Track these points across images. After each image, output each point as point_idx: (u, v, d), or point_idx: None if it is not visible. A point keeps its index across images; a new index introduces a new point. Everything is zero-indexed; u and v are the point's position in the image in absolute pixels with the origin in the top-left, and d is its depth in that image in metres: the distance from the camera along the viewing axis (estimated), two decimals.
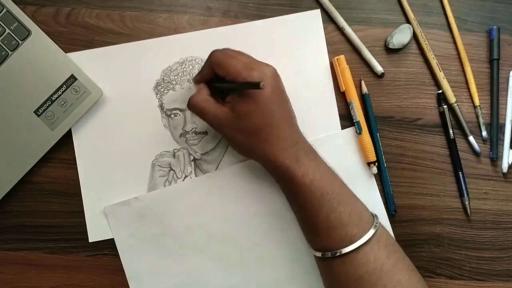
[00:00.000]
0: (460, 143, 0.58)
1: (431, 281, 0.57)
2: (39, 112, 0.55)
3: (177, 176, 0.57)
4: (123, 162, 0.57)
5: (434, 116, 0.58)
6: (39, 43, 0.55)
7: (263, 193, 0.57)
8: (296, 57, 0.57)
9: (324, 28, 0.58)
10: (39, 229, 0.57)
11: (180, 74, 0.57)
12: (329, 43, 0.58)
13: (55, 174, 0.57)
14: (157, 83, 0.57)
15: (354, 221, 0.48)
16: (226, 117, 0.50)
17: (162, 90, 0.57)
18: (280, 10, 0.58)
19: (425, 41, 0.57)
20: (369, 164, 0.56)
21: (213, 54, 0.51)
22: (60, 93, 0.55)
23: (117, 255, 0.57)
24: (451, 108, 0.58)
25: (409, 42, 0.58)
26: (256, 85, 0.44)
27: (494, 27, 0.58)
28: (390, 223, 0.57)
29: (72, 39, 0.57)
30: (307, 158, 0.49)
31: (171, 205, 0.57)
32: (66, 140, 0.56)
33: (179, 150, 0.57)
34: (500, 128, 0.58)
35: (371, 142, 0.56)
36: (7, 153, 0.55)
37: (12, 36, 0.55)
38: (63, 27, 0.57)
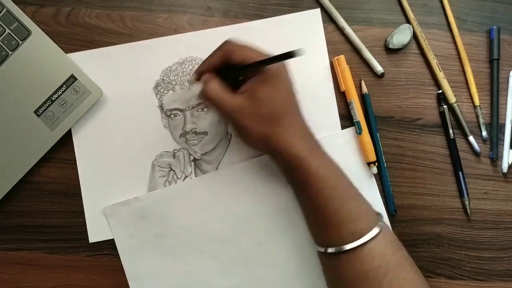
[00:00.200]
0: (460, 143, 0.58)
1: (431, 281, 0.57)
2: (39, 112, 0.55)
3: (177, 177, 0.57)
4: (123, 162, 0.57)
5: (434, 116, 0.58)
6: (39, 43, 0.55)
7: (264, 193, 0.57)
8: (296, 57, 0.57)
9: (324, 28, 0.58)
10: (39, 229, 0.57)
11: (180, 75, 0.57)
12: (329, 43, 0.58)
13: (55, 174, 0.57)
14: (157, 83, 0.57)
15: (362, 216, 0.48)
16: (244, 105, 0.49)
17: (162, 90, 0.57)
18: (280, 10, 0.58)
19: (425, 41, 0.57)
20: (369, 164, 0.56)
21: (227, 43, 0.50)
22: (60, 93, 0.55)
23: (117, 255, 0.57)
24: (451, 108, 0.58)
25: (409, 42, 0.58)
26: (292, 54, 0.42)
27: (494, 27, 0.58)
28: (390, 223, 0.57)
29: (72, 39, 0.57)
30: (319, 151, 0.50)
31: (171, 205, 0.57)
32: (66, 140, 0.56)
33: (179, 151, 0.57)
34: (500, 128, 0.58)
35: (371, 142, 0.56)
36: (7, 153, 0.55)
37: (12, 36, 0.55)
38: (63, 27, 0.57)
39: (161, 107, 0.57)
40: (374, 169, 0.56)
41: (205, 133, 0.57)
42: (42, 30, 0.56)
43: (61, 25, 0.57)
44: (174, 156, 0.57)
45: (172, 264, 0.57)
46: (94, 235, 0.57)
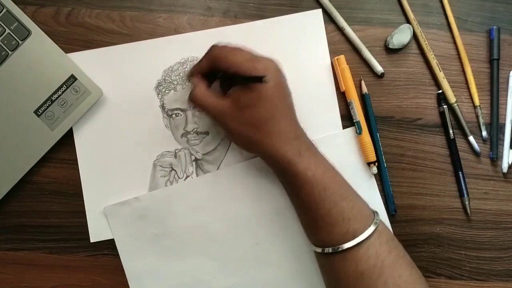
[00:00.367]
0: (460, 143, 0.58)
1: (431, 281, 0.57)
2: (39, 112, 0.55)
3: (178, 176, 0.57)
4: (124, 162, 0.57)
5: (434, 116, 0.58)
6: (39, 43, 0.55)
7: (264, 193, 0.57)
8: (297, 57, 0.57)
9: (324, 28, 0.58)
10: (39, 229, 0.57)
11: (181, 74, 0.57)
12: (329, 43, 0.58)
13: (55, 174, 0.57)
14: (158, 83, 0.57)
15: (356, 216, 0.48)
16: (229, 110, 0.50)
17: (163, 90, 0.57)
18: (280, 10, 0.58)
19: (425, 41, 0.57)
20: (369, 164, 0.56)
21: (214, 48, 0.51)
22: (60, 93, 0.55)
23: (117, 255, 0.57)
24: (451, 108, 0.58)
25: (409, 42, 0.58)
26: (260, 79, 0.44)
27: (494, 27, 0.58)
28: (390, 223, 0.57)
29: (72, 39, 0.57)
30: (309, 152, 0.50)
31: (171, 205, 0.57)
32: (66, 140, 0.56)
33: (180, 150, 0.57)
34: (500, 128, 0.58)
35: (371, 142, 0.56)
36: (7, 153, 0.55)
37: (12, 36, 0.55)
38: (63, 27, 0.57)
39: (162, 107, 0.57)
40: (374, 169, 0.56)
41: (207, 133, 0.57)
42: (42, 30, 0.55)
43: (61, 25, 0.57)
44: (175, 156, 0.57)
45: (172, 264, 0.57)
46: (95, 235, 0.57)
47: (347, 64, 0.56)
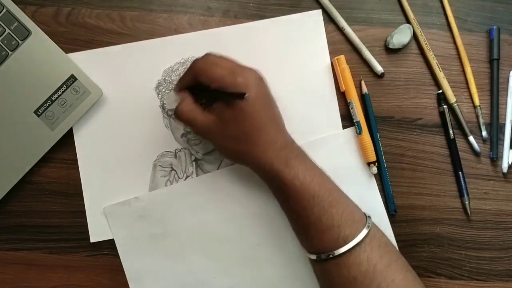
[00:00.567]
0: (460, 143, 0.58)
1: (431, 281, 0.57)
2: (39, 112, 0.55)
3: (178, 176, 0.57)
4: (124, 162, 0.57)
5: (434, 116, 0.58)
6: (39, 43, 0.55)
7: (265, 193, 0.56)
8: (297, 57, 0.57)
9: (324, 28, 0.58)
10: (39, 229, 0.57)
11: (181, 74, 0.57)
12: (329, 43, 0.58)
13: (55, 174, 0.57)
14: (159, 83, 0.57)
15: (346, 222, 0.47)
16: (214, 124, 0.49)
17: (163, 90, 0.57)
18: (280, 10, 0.58)
19: (425, 41, 0.57)
20: (369, 164, 0.56)
21: (195, 63, 0.50)
22: (60, 93, 0.55)
23: (117, 255, 0.57)
24: (451, 108, 0.58)
25: (409, 42, 0.58)
26: (241, 96, 0.44)
27: (494, 27, 0.58)
28: (390, 223, 0.57)
29: (72, 39, 0.57)
30: (297, 160, 0.49)
31: (171, 205, 0.57)
32: (66, 140, 0.56)
33: (180, 150, 0.57)
34: (500, 128, 0.58)
35: (371, 142, 0.56)
36: (7, 153, 0.55)
37: (12, 36, 0.55)
38: (63, 27, 0.57)
39: (162, 107, 0.57)
40: (374, 169, 0.56)
41: None
42: (42, 30, 0.56)
43: (61, 25, 0.57)
44: (175, 156, 0.57)
45: (172, 264, 0.57)
46: (95, 235, 0.57)
47: (347, 64, 0.56)
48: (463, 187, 0.57)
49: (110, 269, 0.57)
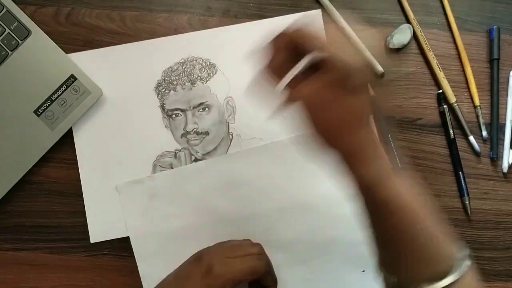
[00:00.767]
0: (460, 143, 0.58)
1: None
2: (39, 112, 0.55)
3: None
4: (124, 162, 0.57)
5: (434, 116, 0.58)
6: (39, 43, 0.55)
7: (277, 178, 0.57)
8: None
9: (324, 28, 0.58)
10: (39, 229, 0.57)
11: (181, 75, 0.57)
12: None
13: (55, 174, 0.57)
14: (158, 83, 0.57)
15: (449, 252, 0.41)
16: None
17: (163, 90, 0.57)
18: (281, 10, 0.58)
19: (425, 41, 0.57)
20: None
21: (295, 30, 0.41)
22: (60, 93, 0.55)
23: (117, 255, 0.57)
24: (451, 108, 0.58)
25: (409, 42, 0.58)
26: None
27: (494, 27, 0.58)
28: None
29: (72, 39, 0.57)
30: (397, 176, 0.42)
31: (183, 185, 0.57)
32: (66, 140, 0.56)
33: (180, 151, 0.57)
34: (500, 128, 0.58)
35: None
36: (7, 153, 0.55)
37: (12, 36, 0.55)
38: (63, 27, 0.57)
39: (162, 107, 0.57)
40: None
41: (206, 133, 0.57)
42: (42, 30, 0.56)
43: (61, 25, 0.57)
44: (175, 156, 0.57)
45: (181, 245, 0.57)
46: (95, 235, 0.57)
47: None
48: (463, 187, 0.57)
49: (110, 269, 0.57)
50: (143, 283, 0.56)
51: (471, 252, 0.42)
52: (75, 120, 0.56)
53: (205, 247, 0.56)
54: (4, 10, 0.55)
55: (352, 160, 0.42)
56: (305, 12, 0.58)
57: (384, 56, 0.58)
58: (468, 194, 0.57)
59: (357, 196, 0.43)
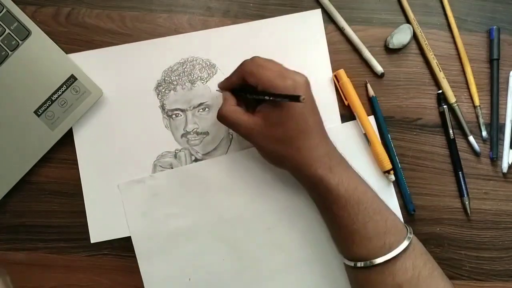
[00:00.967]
0: (460, 143, 0.58)
1: None
2: (39, 112, 0.55)
3: None
4: (124, 162, 0.57)
5: (434, 116, 0.58)
6: (39, 43, 0.55)
7: (279, 178, 0.57)
8: (297, 57, 0.57)
9: (324, 28, 0.58)
10: (39, 229, 0.57)
11: (181, 75, 0.57)
12: (329, 43, 0.58)
13: (55, 174, 0.57)
14: (158, 83, 0.57)
15: (391, 230, 0.47)
16: (258, 127, 0.49)
17: (163, 90, 0.57)
18: (281, 10, 0.58)
19: (425, 41, 0.57)
20: (384, 172, 0.56)
21: (244, 64, 0.50)
22: (60, 93, 0.55)
23: (117, 255, 0.57)
24: (451, 108, 0.58)
25: (409, 42, 0.58)
26: (296, 98, 0.43)
27: (494, 27, 0.58)
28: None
29: (72, 39, 0.57)
30: (340, 167, 0.49)
31: (184, 185, 0.57)
32: (66, 140, 0.56)
33: (180, 151, 0.57)
34: (500, 128, 0.58)
35: (383, 150, 0.56)
36: (7, 153, 0.55)
37: (12, 36, 0.55)
38: (63, 27, 0.57)
39: (162, 107, 0.57)
40: (392, 177, 0.56)
41: (207, 133, 0.57)
42: (42, 30, 0.56)
43: (61, 25, 0.57)
44: (175, 156, 0.57)
45: (182, 245, 0.57)
46: (96, 235, 0.57)
47: (348, 69, 0.57)
48: (463, 187, 0.57)
49: (110, 269, 0.57)
50: (144, 283, 0.57)
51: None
52: (75, 120, 0.56)
53: (205, 246, 0.57)
54: (4, 10, 0.55)
55: (296, 172, 0.51)
56: (305, 12, 0.58)
57: (384, 56, 0.58)
58: (468, 194, 0.57)
59: (308, 192, 0.52)
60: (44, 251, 0.57)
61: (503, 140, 0.58)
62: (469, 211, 0.57)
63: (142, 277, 0.57)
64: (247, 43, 0.57)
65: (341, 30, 0.58)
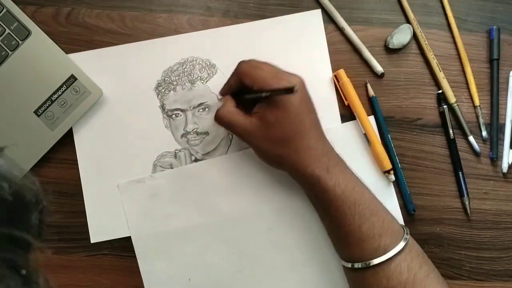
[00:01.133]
0: (460, 143, 0.58)
1: None
2: (39, 112, 0.55)
3: None
4: (124, 162, 0.57)
5: (434, 116, 0.58)
6: (39, 43, 0.55)
7: (276, 178, 0.57)
8: (297, 57, 0.57)
9: (324, 28, 0.58)
10: None
11: (181, 75, 0.57)
12: (329, 43, 0.58)
13: (55, 174, 0.57)
14: (158, 83, 0.57)
15: (387, 231, 0.48)
16: (255, 128, 0.49)
17: (163, 90, 0.57)
18: (280, 10, 0.58)
19: (425, 41, 0.57)
20: (385, 172, 0.56)
21: (240, 65, 0.51)
22: (60, 93, 0.55)
23: (117, 255, 0.57)
24: (451, 108, 0.58)
25: (409, 42, 0.58)
26: (290, 90, 0.43)
27: (494, 27, 0.58)
28: None
29: (72, 39, 0.57)
30: (337, 168, 0.49)
31: (184, 185, 0.57)
32: (66, 140, 0.56)
33: (180, 151, 0.57)
34: (500, 128, 0.58)
35: (383, 150, 0.56)
36: (7, 153, 0.55)
37: (12, 36, 0.55)
38: (63, 27, 0.57)
39: (162, 107, 0.57)
40: (392, 177, 0.56)
41: (207, 133, 0.57)
42: (42, 30, 0.56)
43: (61, 25, 0.57)
44: (175, 156, 0.57)
45: (182, 245, 0.57)
46: (96, 235, 0.57)
47: (348, 69, 0.57)
48: (463, 187, 0.57)
49: (110, 269, 0.57)
50: (144, 283, 0.57)
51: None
52: (75, 120, 0.56)
53: (205, 246, 0.57)
54: (4, 10, 0.55)
55: (294, 173, 0.51)
56: (305, 12, 0.58)
57: (384, 56, 0.58)
58: (468, 194, 0.57)
59: (305, 192, 0.52)
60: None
61: (503, 140, 0.58)
62: (469, 211, 0.57)
63: (142, 277, 0.57)
64: (247, 43, 0.57)
65: (341, 30, 0.58)
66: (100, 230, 0.57)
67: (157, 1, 0.58)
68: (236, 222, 0.57)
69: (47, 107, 0.55)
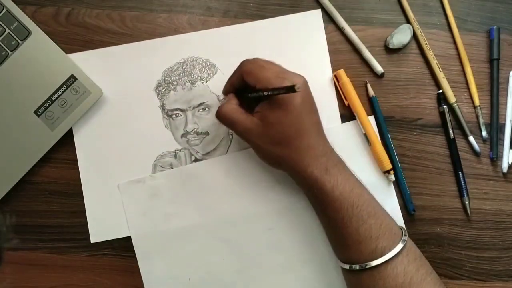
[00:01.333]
0: (460, 143, 0.58)
1: None
2: (39, 112, 0.55)
3: None
4: (124, 162, 0.57)
5: (434, 116, 0.58)
6: (39, 43, 0.55)
7: (277, 178, 0.57)
8: (297, 57, 0.57)
9: (324, 28, 0.58)
10: (39, 229, 0.57)
11: (181, 75, 0.57)
12: (329, 43, 0.58)
13: (55, 174, 0.57)
14: (158, 83, 0.57)
15: (384, 234, 0.47)
16: (256, 127, 0.49)
17: (163, 90, 0.57)
18: (280, 10, 0.58)
19: (425, 41, 0.57)
20: (385, 172, 0.56)
21: (243, 63, 0.51)
22: (60, 93, 0.55)
23: (117, 255, 0.57)
24: (451, 108, 0.58)
25: (409, 42, 0.58)
26: (291, 89, 0.43)
27: (494, 27, 0.58)
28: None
29: (72, 39, 0.57)
30: (336, 169, 0.49)
31: (184, 185, 0.57)
32: (66, 140, 0.56)
33: (180, 151, 0.57)
34: (500, 128, 0.58)
35: (383, 150, 0.56)
36: (7, 153, 0.55)
37: (12, 36, 0.55)
38: (63, 27, 0.57)
39: (162, 107, 0.57)
40: (392, 177, 0.56)
41: (207, 133, 0.57)
42: (42, 30, 0.56)
43: (61, 25, 0.57)
44: (175, 156, 0.57)
45: (182, 244, 0.57)
46: (96, 235, 0.57)
47: (348, 69, 0.56)
48: (463, 187, 0.57)
49: (110, 269, 0.57)
50: (144, 283, 0.57)
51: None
52: (75, 120, 0.56)
53: (205, 246, 0.57)
54: (4, 10, 0.55)
55: (293, 173, 0.51)
56: (305, 12, 0.58)
57: (384, 56, 0.58)
58: (468, 194, 0.57)
59: (304, 192, 0.52)
60: (44, 251, 0.57)
61: (503, 140, 0.58)
62: (469, 211, 0.57)
63: (142, 277, 0.57)
64: (247, 43, 0.57)
65: (341, 30, 0.58)
66: (100, 230, 0.57)
67: (157, 1, 0.58)
68: (236, 222, 0.57)
69: (47, 107, 0.55)
